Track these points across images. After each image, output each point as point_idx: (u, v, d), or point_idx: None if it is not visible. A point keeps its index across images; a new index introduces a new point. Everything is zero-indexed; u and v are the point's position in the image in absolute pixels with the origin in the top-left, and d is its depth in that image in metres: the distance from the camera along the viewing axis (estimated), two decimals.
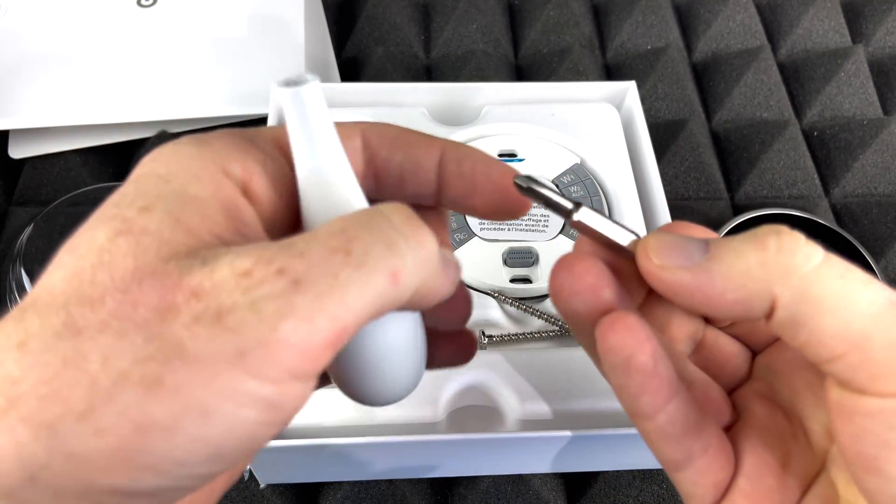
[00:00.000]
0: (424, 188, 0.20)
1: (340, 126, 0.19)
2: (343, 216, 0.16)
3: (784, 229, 0.17)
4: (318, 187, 0.18)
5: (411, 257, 0.16)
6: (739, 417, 0.22)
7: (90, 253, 0.15)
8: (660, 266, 0.18)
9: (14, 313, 0.15)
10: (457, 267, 0.19)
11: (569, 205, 0.20)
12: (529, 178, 0.20)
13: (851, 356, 0.16)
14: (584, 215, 0.20)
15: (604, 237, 0.20)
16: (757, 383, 0.22)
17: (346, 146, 0.19)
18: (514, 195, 0.20)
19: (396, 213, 0.16)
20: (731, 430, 0.22)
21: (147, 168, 0.17)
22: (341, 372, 0.20)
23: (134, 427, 0.13)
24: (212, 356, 0.14)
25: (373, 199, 0.20)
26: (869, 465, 0.17)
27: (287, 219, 0.19)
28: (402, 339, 0.20)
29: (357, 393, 0.20)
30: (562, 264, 0.20)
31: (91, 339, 0.14)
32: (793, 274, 0.17)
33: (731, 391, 0.22)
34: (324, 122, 0.17)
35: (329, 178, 0.18)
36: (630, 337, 0.19)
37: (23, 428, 0.13)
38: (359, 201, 0.18)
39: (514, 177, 0.20)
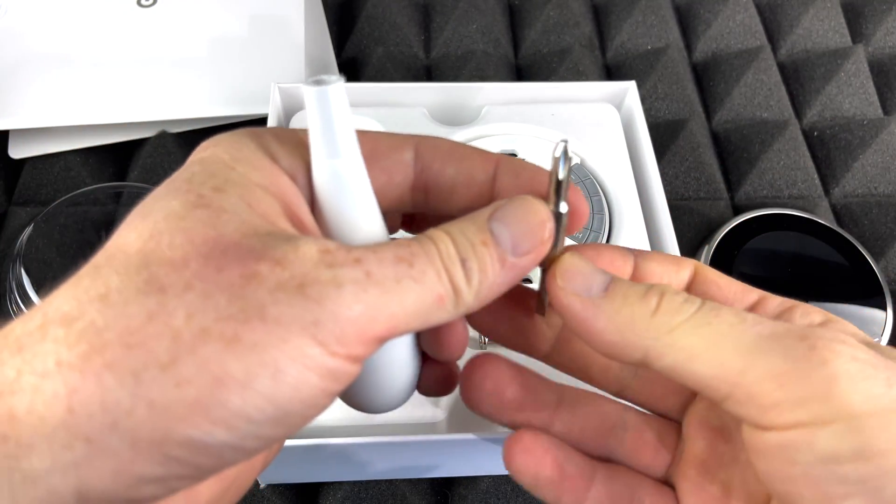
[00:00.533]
0: (478, 201, 0.21)
1: (393, 136, 0.20)
2: (406, 238, 0.17)
3: (668, 288, 0.19)
4: (333, 185, 0.18)
5: (451, 289, 0.17)
6: (682, 450, 0.22)
7: (167, 219, 0.16)
8: (560, 287, 0.19)
9: (87, 269, 0.16)
10: (530, 234, 0.19)
11: (563, 209, 0.20)
12: (565, 154, 0.19)
13: (736, 394, 0.17)
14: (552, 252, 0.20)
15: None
16: (700, 405, 0.22)
17: (397, 158, 0.20)
18: (577, 208, 0.21)
19: (442, 244, 0.17)
20: (675, 470, 0.22)
21: (209, 152, 0.18)
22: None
23: (212, 380, 0.14)
24: (289, 320, 0.15)
25: (422, 212, 0.22)
26: (785, 501, 0.17)
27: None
28: (405, 354, 0.21)
29: (358, 400, 0.21)
30: (465, 371, 0.22)
31: (176, 297, 0.15)
32: (663, 330, 0.18)
33: (682, 411, 0.23)
34: (345, 122, 0.18)
35: (344, 177, 0.18)
36: (529, 458, 0.21)
37: (108, 374, 0.14)
38: (371, 203, 0.19)
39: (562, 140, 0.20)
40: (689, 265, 0.22)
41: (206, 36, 0.51)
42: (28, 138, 0.49)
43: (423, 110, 0.45)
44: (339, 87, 0.17)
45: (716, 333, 0.17)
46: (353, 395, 0.21)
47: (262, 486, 0.38)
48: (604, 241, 0.40)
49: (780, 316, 0.20)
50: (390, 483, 0.39)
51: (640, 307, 0.18)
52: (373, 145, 0.20)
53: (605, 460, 0.23)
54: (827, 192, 0.52)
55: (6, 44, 0.50)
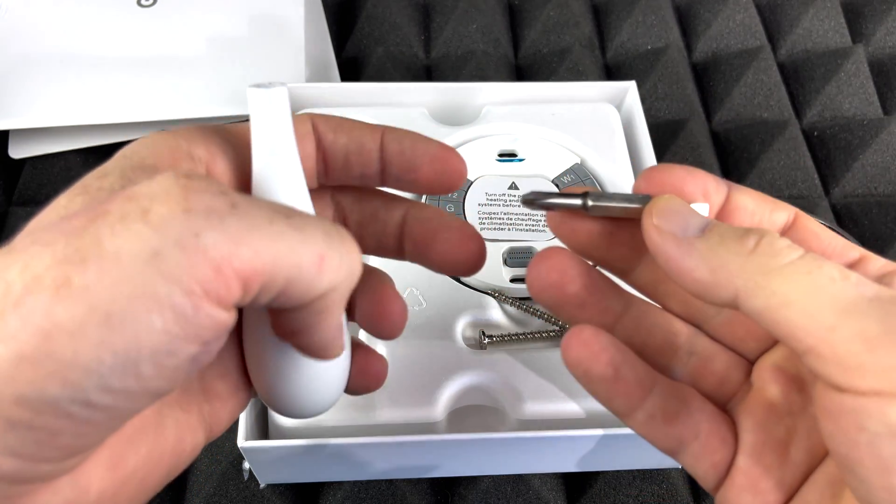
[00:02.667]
0: (369, 168, 0.22)
1: (295, 118, 0.21)
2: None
3: (769, 232, 0.18)
4: (269, 181, 0.19)
5: (338, 254, 0.16)
6: (751, 389, 0.22)
7: (51, 212, 0.17)
8: (656, 225, 0.19)
9: None
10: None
11: (578, 201, 0.21)
12: (535, 193, 0.21)
13: (821, 349, 0.16)
14: (596, 201, 0.21)
15: (620, 211, 0.21)
16: (778, 352, 0.22)
17: (300, 128, 0.21)
18: (451, 168, 0.22)
19: (336, 225, 0.17)
20: (739, 404, 0.22)
21: (117, 154, 0.19)
22: (261, 372, 0.20)
23: (37, 331, 0.13)
24: (126, 254, 0.13)
25: (322, 185, 0.22)
26: (844, 466, 0.16)
27: None
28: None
29: (278, 399, 0.21)
30: (534, 261, 0.22)
31: (19, 252, 0.14)
32: (759, 271, 0.17)
33: (757, 355, 0.22)
34: (284, 124, 0.19)
35: (281, 175, 0.19)
36: (584, 350, 0.20)
37: None
38: (305, 199, 0.20)
39: (521, 198, 0.21)
40: (787, 210, 0.21)
41: (206, 36, 0.51)
42: (28, 138, 0.49)
43: (423, 110, 0.45)
44: (279, 92, 0.19)
45: (814, 284, 0.16)
46: (270, 387, 0.20)
47: (262, 485, 0.38)
48: None
49: (880, 279, 0.19)
50: (390, 483, 0.39)
51: (737, 246, 0.18)
52: None
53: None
54: (827, 192, 0.52)
55: (6, 44, 0.50)
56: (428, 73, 0.57)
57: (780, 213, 0.21)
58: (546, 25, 0.59)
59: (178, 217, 0.14)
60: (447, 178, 0.22)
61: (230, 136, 0.20)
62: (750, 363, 0.22)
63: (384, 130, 0.22)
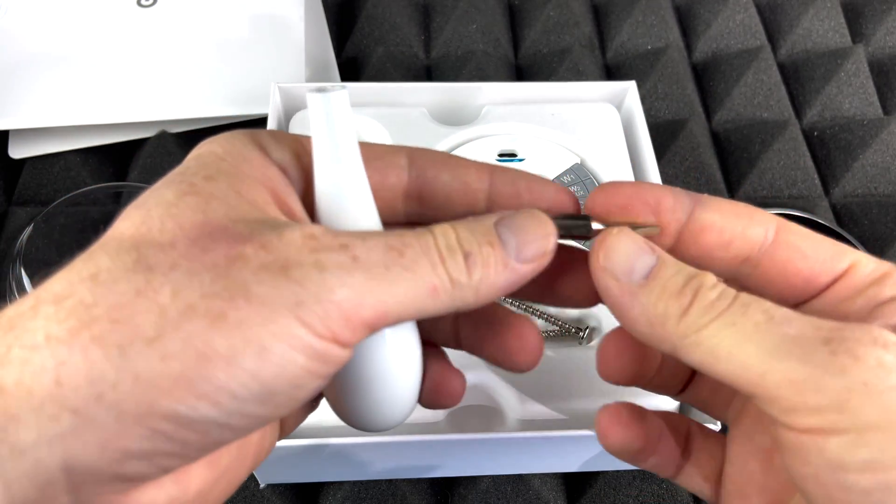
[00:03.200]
0: (473, 208, 0.21)
1: (389, 144, 0.21)
2: (400, 230, 0.17)
3: (704, 284, 0.18)
4: (334, 190, 0.19)
5: (448, 280, 0.17)
6: (744, 400, 0.23)
7: (158, 206, 0.17)
8: (602, 266, 0.19)
9: (82, 256, 0.16)
10: (535, 241, 0.19)
11: (585, 224, 0.20)
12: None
13: (759, 395, 0.17)
14: (596, 226, 0.20)
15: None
16: None
17: (391, 163, 0.20)
18: (568, 209, 0.21)
19: (441, 237, 0.18)
20: (732, 412, 0.23)
21: (205, 148, 0.19)
22: (342, 388, 0.20)
23: (197, 355, 0.14)
24: (273, 300, 0.15)
25: (414, 220, 0.21)
26: (802, 493, 0.17)
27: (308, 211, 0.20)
28: (402, 351, 0.20)
29: (353, 413, 0.21)
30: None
31: (163, 275, 0.15)
32: (692, 329, 0.18)
33: None
34: (347, 129, 0.18)
35: (345, 183, 0.19)
36: (625, 433, 0.23)
37: (95, 347, 0.14)
38: (370, 209, 0.19)
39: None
40: (765, 224, 0.20)
41: (206, 36, 0.51)
42: (28, 138, 0.49)
43: (423, 110, 0.45)
44: (342, 95, 0.18)
45: (740, 334, 0.17)
46: (350, 402, 0.21)
47: (262, 485, 0.38)
48: None
49: (868, 287, 0.19)
50: (390, 483, 0.39)
51: (674, 304, 0.18)
52: (368, 149, 0.20)
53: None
54: (827, 192, 0.52)
55: (6, 44, 0.50)
56: (428, 73, 0.57)
57: (757, 228, 0.20)
58: (546, 25, 0.59)
59: (315, 277, 0.15)
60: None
61: (293, 141, 0.20)
62: None
63: (493, 170, 0.21)
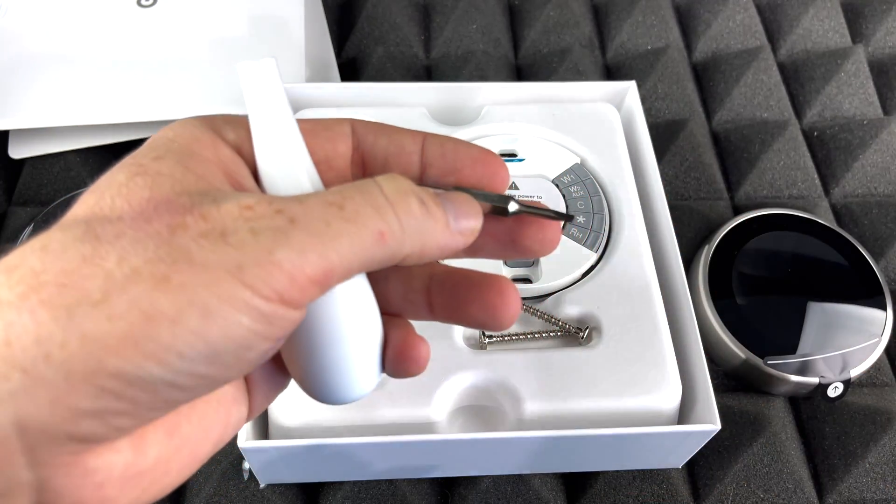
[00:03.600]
0: (408, 170, 0.22)
1: (332, 118, 0.22)
2: (341, 185, 0.18)
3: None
4: (273, 158, 0.20)
5: (398, 223, 0.18)
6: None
7: (110, 188, 0.17)
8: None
9: (39, 235, 0.17)
10: (468, 216, 0.20)
11: (504, 204, 0.22)
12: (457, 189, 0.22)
13: None
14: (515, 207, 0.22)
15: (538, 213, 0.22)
16: None
17: (339, 132, 0.22)
18: (492, 170, 0.22)
19: (388, 183, 0.18)
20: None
21: (159, 134, 0.20)
22: (299, 355, 0.20)
23: (143, 315, 0.15)
24: (213, 264, 0.16)
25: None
26: None
27: None
28: (357, 310, 0.21)
29: (314, 382, 0.21)
30: None
31: (108, 244, 0.16)
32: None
33: None
34: (279, 98, 0.20)
35: (283, 151, 0.20)
36: None
37: (42, 310, 0.15)
38: (311, 175, 0.20)
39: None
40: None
41: (206, 36, 0.51)
42: (28, 138, 0.49)
43: (423, 110, 0.45)
44: (269, 64, 0.20)
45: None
46: (308, 369, 0.21)
47: (262, 485, 0.38)
48: (603, 241, 0.40)
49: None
50: (390, 483, 0.39)
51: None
52: (316, 122, 0.22)
53: None
54: (827, 192, 0.52)
55: (6, 44, 0.50)
56: (428, 73, 0.57)
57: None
58: (546, 25, 0.59)
59: (251, 240, 0.16)
60: (488, 180, 0.22)
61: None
62: None
63: (425, 135, 0.22)
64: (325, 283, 0.17)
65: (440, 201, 0.19)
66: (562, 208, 0.41)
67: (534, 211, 0.22)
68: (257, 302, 0.16)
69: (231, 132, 0.20)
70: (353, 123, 0.22)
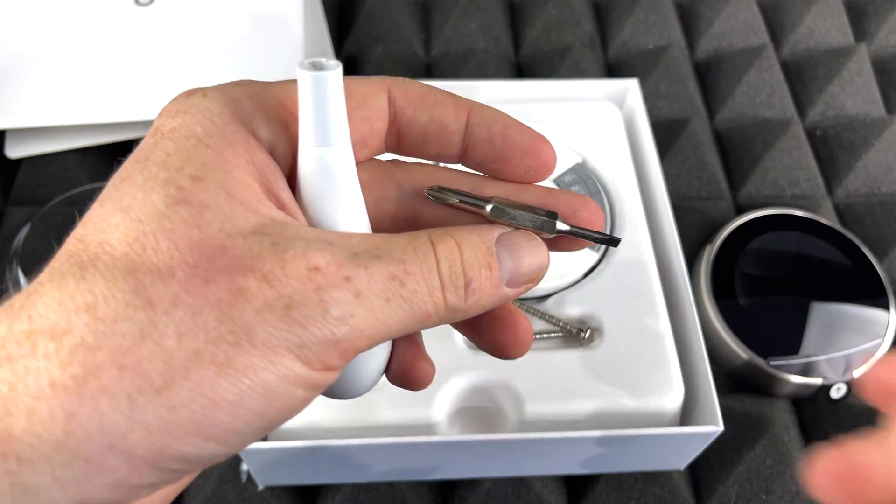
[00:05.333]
0: (448, 149, 0.21)
1: (365, 81, 0.20)
2: (404, 240, 0.18)
3: None
4: (320, 173, 0.18)
5: (444, 307, 0.18)
6: None
7: (150, 219, 0.16)
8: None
9: (70, 266, 0.16)
10: (525, 278, 0.20)
11: (483, 204, 0.20)
12: (440, 189, 0.21)
13: None
14: (499, 216, 0.20)
15: (526, 222, 0.21)
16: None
17: (371, 103, 0.20)
18: (543, 162, 0.21)
19: (445, 258, 0.18)
20: None
21: (179, 121, 0.17)
22: None
23: (206, 403, 0.15)
24: (276, 343, 0.15)
25: (392, 150, 0.21)
26: None
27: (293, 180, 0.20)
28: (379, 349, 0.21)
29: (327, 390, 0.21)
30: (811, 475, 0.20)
31: (165, 314, 0.15)
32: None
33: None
34: (339, 110, 0.17)
35: (332, 167, 0.18)
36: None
37: (104, 398, 0.14)
38: (356, 193, 0.19)
39: (427, 190, 0.21)
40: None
41: (204, 34, 0.51)
42: (25, 137, 0.49)
43: None
44: (337, 74, 0.17)
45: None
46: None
47: (260, 487, 0.38)
48: None
49: None
50: (390, 485, 0.38)
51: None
52: (349, 96, 0.19)
53: None
54: (830, 191, 0.52)
55: (3, 42, 0.50)
56: (428, 71, 0.57)
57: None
58: (547, 24, 0.58)
59: (319, 318, 0.16)
60: (535, 173, 0.21)
61: (279, 102, 0.19)
62: None
63: (471, 110, 0.21)
64: (368, 349, 0.17)
65: (496, 262, 0.18)
66: None
67: (580, 232, 0.20)
68: (311, 375, 0.16)
69: (265, 129, 0.18)
70: (391, 92, 0.20)
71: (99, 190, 0.18)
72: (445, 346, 0.36)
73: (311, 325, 0.16)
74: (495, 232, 0.19)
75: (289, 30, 0.51)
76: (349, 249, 0.17)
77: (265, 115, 0.18)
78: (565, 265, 0.39)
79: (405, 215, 0.22)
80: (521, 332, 0.22)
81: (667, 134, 0.52)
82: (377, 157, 0.22)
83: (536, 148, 0.21)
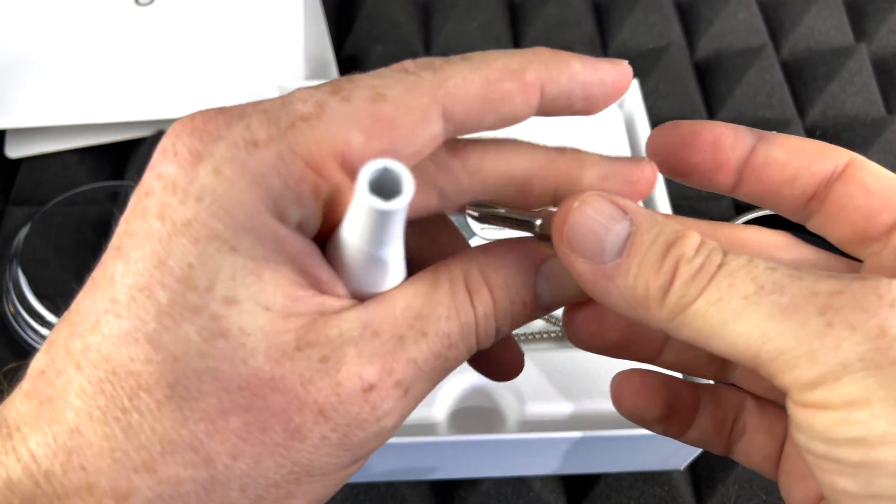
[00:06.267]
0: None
1: (413, 104, 0.16)
2: (445, 301, 0.17)
3: (684, 254, 0.16)
4: (367, 264, 0.16)
5: (466, 353, 0.17)
6: None
7: (187, 354, 0.14)
8: (567, 251, 0.17)
9: (108, 397, 0.14)
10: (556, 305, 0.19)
11: (532, 219, 0.18)
12: (481, 205, 0.19)
13: (761, 370, 0.15)
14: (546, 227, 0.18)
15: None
16: None
17: (419, 138, 0.16)
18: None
19: (484, 315, 0.17)
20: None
21: (191, 211, 0.14)
22: None
23: (206, 480, 0.14)
24: (334, 470, 0.16)
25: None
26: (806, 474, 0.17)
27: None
28: None
29: None
30: (567, 317, 0.21)
31: (226, 469, 0.14)
32: (676, 310, 0.16)
33: None
34: (398, 239, 0.16)
35: (382, 263, 0.16)
36: (639, 400, 0.21)
37: None
38: (400, 275, 0.17)
39: (466, 207, 0.19)
40: (834, 158, 0.18)
41: (204, 34, 0.51)
42: (25, 137, 0.49)
43: None
44: (403, 203, 0.14)
45: (728, 311, 0.15)
46: None
47: None
48: None
49: None
50: (389, 485, 0.38)
51: (654, 283, 0.16)
52: (390, 125, 0.15)
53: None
54: None
55: (3, 42, 0.50)
56: None
57: (825, 162, 0.18)
58: (547, 24, 0.58)
59: (372, 438, 0.16)
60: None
61: (317, 171, 0.15)
62: None
63: (543, 85, 0.17)
64: None
65: (533, 297, 0.18)
66: None
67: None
68: (326, 429, 0.16)
69: (296, 210, 0.15)
70: (447, 109, 0.16)
71: (98, 190, 0.17)
72: None
73: (366, 445, 0.16)
74: (534, 263, 0.18)
75: (289, 30, 0.51)
76: (394, 333, 0.16)
77: (294, 192, 0.15)
78: None
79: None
80: (512, 360, 0.22)
81: None
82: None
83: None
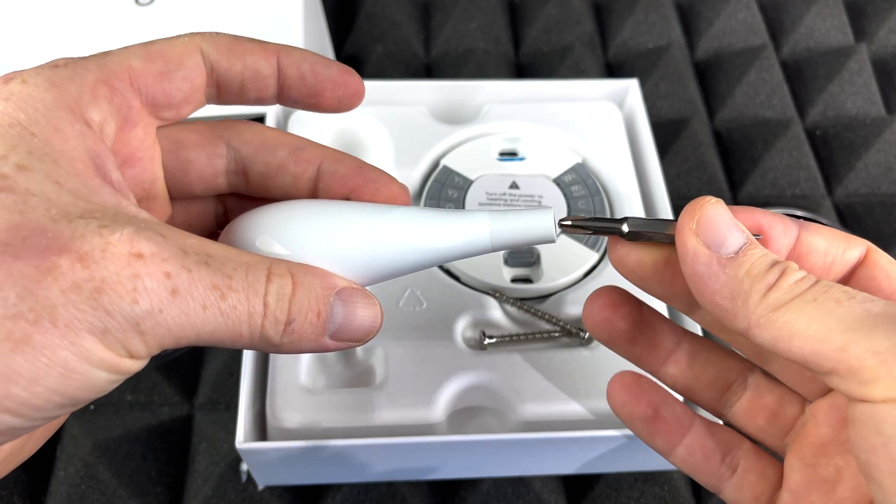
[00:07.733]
0: (265, 92, 0.22)
1: (177, 42, 0.20)
2: (242, 259, 0.18)
3: (790, 266, 0.18)
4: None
5: (259, 336, 0.18)
6: (804, 426, 0.22)
7: None
8: (692, 231, 0.19)
9: None
10: (354, 333, 0.20)
11: (617, 226, 0.21)
12: (573, 217, 0.21)
13: (838, 369, 0.17)
14: (635, 227, 0.21)
15: (654, 235, 0.21)
16: (838, 395, 0.22)
17: (188, 62, 0.20)
18: (352, 91, 0.23)
19: (273, 291, 0.18)
20: (790, 440, 0.23)
21: (7, 115, 0.17)
22: None
23: (2, 377, 0.15)
24: (79, 325, 0.15)
25: (213, 102, 0.22)
26: (865, 473, 0.17)
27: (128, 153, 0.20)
28: None
29: None
30: (589, 298, 0.23)
31: None
32: (772, 307, 0.18)
33: (816, 395, 0.23)
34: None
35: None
36: (626, 394, 0.23)
37: None
38: None
39: (560, 221, 0.21)
40: (860, 246, 0.21)
41: None
42: None
43: (423, 109, 0.44)
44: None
45: (820, 310, 0.17)
46: None
47: (260, 487, 0.38)
48: (605, 241, 0.40)
49: None
50: (390, 485, 0.38)
51: (761, 281, 0.18)
52: (163, 62, 0.20)
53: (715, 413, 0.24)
54: (830, 191, 0.52)
55: (3, 42, 0.50)
56: (428, 71, 0.57)
57: (854, 250, 0.21)
58: (547, 23, 0.58)
59: (126, 308, 0.16)
60: (347, 101, 0.23)
61: (108, 85, 0.19)
62: (803, 398, 0.23)
63: (279, 53, 0.22)
64: (172, 346, 0.17)
65: (328, 313, 0.19)
66: (563, 208, 0.40)
67: (649, 233, 0.21)
68: (114, 359, 0.16)
69: (95, 112, 0.18)
70: (202, 49, 0.21)
71: None
72: (446, 345, 0.36)
73: (117, 314, 0.15)
74: (340, 284, 0.19)
75: (289, 30, 0.51)
76: (180, 247, 0.17)
77: (90, 96, 0.18)
78: (565, 265, 0.39)
79: (236, 169, 0.23)
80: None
81: (667, 134, 0.52)
82: (204, 119, 0.23)
83: (344, 80, 0.22)
